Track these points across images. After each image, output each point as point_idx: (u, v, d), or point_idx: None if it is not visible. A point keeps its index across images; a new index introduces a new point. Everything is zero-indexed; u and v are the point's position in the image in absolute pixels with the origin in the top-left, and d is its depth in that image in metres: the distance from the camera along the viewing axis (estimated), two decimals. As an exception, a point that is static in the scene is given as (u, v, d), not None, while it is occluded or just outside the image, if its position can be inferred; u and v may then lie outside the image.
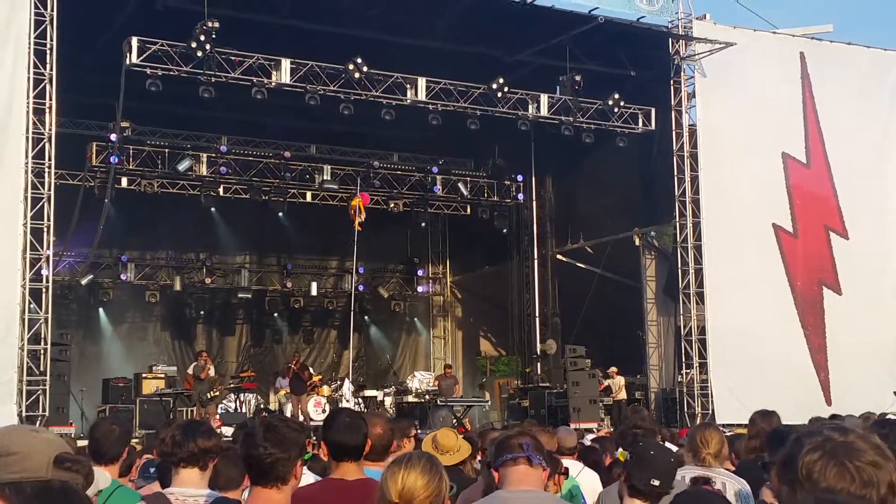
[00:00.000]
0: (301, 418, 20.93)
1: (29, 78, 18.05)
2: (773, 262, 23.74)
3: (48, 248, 18.29)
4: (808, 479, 2.17)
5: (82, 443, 8.96)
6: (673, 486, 5.30)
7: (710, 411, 22.53)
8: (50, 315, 18.32)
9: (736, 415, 19.89)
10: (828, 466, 2.17)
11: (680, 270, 23.55)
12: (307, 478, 5.78)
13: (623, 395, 24.16)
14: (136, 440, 17.23)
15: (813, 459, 2.18)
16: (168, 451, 4.62)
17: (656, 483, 4.86)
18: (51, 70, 18.30)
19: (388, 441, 5.38)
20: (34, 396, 17.72)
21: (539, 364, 28.21)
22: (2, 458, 2.26)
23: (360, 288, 29.67)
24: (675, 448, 7.69)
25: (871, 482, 2.15)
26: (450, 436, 7.15)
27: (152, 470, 6.41)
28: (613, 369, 24.38)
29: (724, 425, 16.94)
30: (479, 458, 7.73)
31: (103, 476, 5.37)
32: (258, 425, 4.13)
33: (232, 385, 23.78)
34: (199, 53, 19.84)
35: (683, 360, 23.46)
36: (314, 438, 9.51)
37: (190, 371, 23.40)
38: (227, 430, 15.00)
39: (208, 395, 22.61)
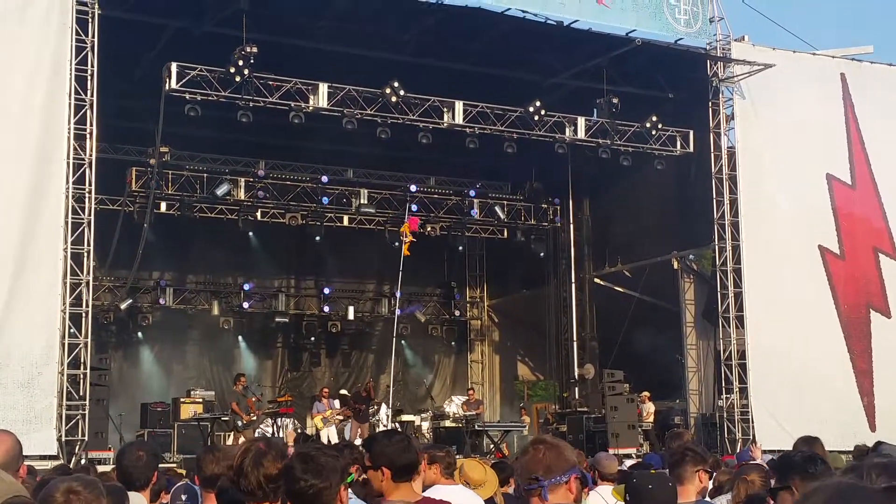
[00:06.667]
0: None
1: (70, 104, 18.21)
2: (818, 285, 23.44)
3: (88, 273, 18.40)
4: None
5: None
6: None
7: (751, 437, 22.21)
8: (89, 340, 18.41)
9: (777, 440, 19.59)
10: None
11: (719, 294, 23.31)
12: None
13: (651, 420, 24.01)
14: (175, 464, 17.30)
15: None
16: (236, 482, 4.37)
17: None
18: (91, 96, 18.46)
19: (417, 462, 5.39)
20: (73, 421, 17.78)
21: (577, 388, 27.98)
22: None
23: (398, 312, 29.64)
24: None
25: None
26: (477, 468, 6.97)
27: (185, 497, 6.35)
28: (645, 394, 24.18)
29: (765, 451, 16.69)
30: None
31: (141, 501, 5.34)
32: (294, 457, 4.03)
33: (269, 410, 23.72)
34: (238, 78, 19.99)
35: (723, 384, 23.18)
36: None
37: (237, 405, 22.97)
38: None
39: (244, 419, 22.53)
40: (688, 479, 6.10)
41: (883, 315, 23.89)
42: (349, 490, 4.26)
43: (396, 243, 24.56)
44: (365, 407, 23.61)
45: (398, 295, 25.49)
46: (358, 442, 21.22)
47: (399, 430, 22.90)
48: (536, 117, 22.88)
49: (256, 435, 22.36)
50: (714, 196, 23.43)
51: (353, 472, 4.92)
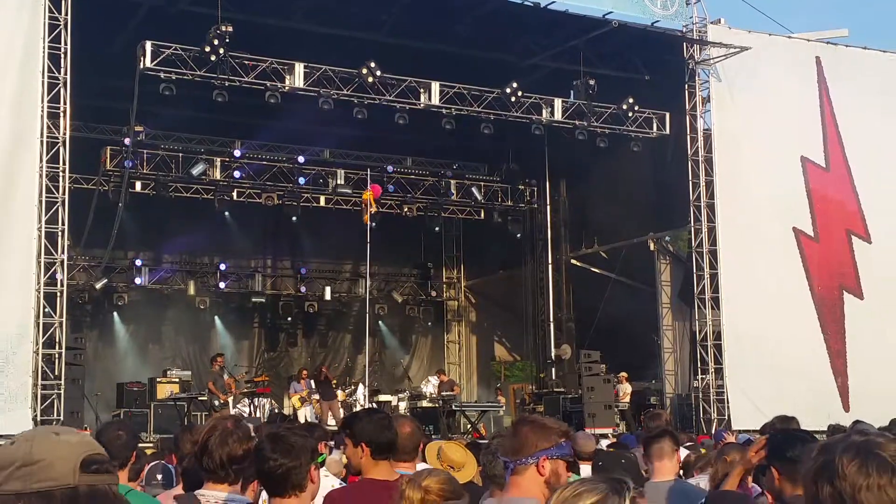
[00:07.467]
0: (333, 423, 20.81)
1: (43, 82, 18.04)
2: (792, 267, 23.60)
3: (62, 252, 18.29)
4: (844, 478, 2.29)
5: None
6: (642, 487, 5.27)
7: (727, 417, 22.39)
8: (64, 319, 18.31)
9: (752, 420, 19.75)
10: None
11: (695, 275, 23.44)
12: (331, 480, 5.68)
13: (627, 400, 24.18)
14: (151, 444, 17.26)
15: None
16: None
17: None
18: (65, 74, 18.30)
19: (417, 441, 5.38)
20: (49, 401, 17.71)
21: (553, 369, 28.08)
22: (26, 467, 2.15)
23: (374, 292, 29.66)
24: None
25: None
26: (458, 450, 6.91)
27: (160, 477, 6.36)
28: (623, 375, 24.32)
29: (740, 431, 16.83)
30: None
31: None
32: (264, 437, 4.03)
33: (246, 390, 23.72)
34: (213, 57, 19.84)
35: (699, 365, 23.34)
36: (332, 442, 9.43)
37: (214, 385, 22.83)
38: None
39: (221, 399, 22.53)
40: (667, 457, 6.15)
41: (856, 297, 24.09)
42: (321, 469, 4.27)
43: (366, 214, 24.40)
44: (328, 385, 23.67)
45: (370, 272, 25.43)
46: (331, 422, 21.34)
47: (378, 409, 22.81)
48: (513, 98, 22.86)
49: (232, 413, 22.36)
50: (690, 178, 23.51)
51: (324, 452, 4.91)
